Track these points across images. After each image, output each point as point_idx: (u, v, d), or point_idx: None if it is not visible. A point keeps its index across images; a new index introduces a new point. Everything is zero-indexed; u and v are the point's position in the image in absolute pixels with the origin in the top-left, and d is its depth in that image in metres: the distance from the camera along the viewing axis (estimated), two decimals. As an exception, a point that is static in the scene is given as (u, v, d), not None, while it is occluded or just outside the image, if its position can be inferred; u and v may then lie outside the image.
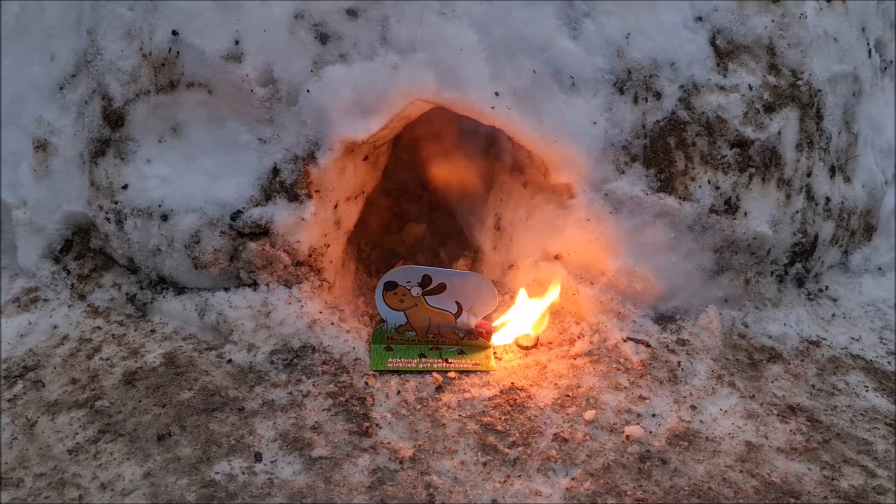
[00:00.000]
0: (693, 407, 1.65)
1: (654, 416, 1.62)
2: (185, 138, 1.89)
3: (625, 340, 1.81)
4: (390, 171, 2.45)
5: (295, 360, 1.72)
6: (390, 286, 1.76)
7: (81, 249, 2.03)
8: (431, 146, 2.27)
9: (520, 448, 1.53)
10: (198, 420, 1.56)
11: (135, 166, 1.90)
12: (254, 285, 1.87)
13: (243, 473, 1.44)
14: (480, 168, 2.22)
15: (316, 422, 1.56)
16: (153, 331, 1.86)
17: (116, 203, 1.90)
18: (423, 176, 2.48)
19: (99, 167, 1.93)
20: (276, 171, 1.84)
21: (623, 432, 1.57)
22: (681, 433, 1.58)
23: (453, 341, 1.82)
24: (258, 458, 1.47)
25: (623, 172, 1.84)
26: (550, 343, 1.86)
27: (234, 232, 1.84)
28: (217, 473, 1.44)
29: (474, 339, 1.81)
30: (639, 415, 1.62)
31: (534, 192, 1.99)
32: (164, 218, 1.87)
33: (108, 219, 1.91)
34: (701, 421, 1.62)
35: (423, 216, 2.53)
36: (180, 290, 1.92)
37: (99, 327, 1.86)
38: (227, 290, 1.87)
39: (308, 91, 1.80)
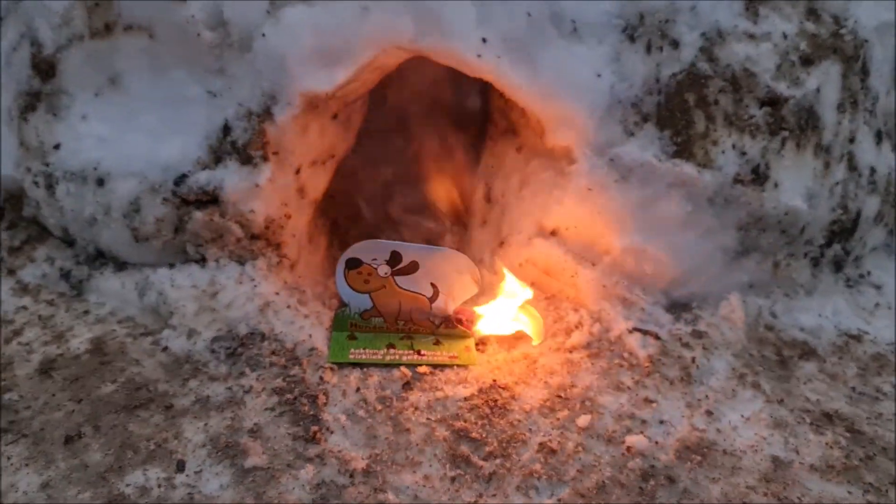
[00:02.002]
0: (709, 412, 1.38)
1: (661, 423, 1.36)
2: (124, 91, 1.64)
3: (630, 331, 1.55)
4: (375, 135, 2.19)
5: (239, 349, 1.47)
6: (353, 264, 1.50)
7: (13, 219, 1.79)
8: (413, 105, 2.00)
9: (497, 460, 1.27)
10: (116, 419, 1.31)
11: (68, 123, 1.66)
12: (202, 261, 1.62)
13: (159, 486, 1.19)
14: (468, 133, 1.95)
15: (255, 424, 1.31)
16: (86, 312, 1.62)
17: (47, 165, 1.66)
18: (412, 142, 2.21)
19: (29, 124, 1.69)
20: (226, 129, 1.58)
21: (623, 443, 1.31)
22: (693, 445, 1.31)
23: (428, 330, 1.56)
24: (180, 467, 1.22)
25: (632, 134, 1.56)
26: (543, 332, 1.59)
27: (178, 199, 1.59)
28: (128, 486, 1.19)
29: (452, 328, 1.55)
30: (643, 421, 1.36)
31: (529, 157, 1.72)
32: (100, 182, 1.62)
33: (36, 183, 1.67)
34: (718, 430, 1.35)
35: (412, 188, 2.25)
36: (121, 265, 1.68)
37: (25, 307, 1.62)
38: (171, 266, 1.63)
39: (264, 35, 1.54)
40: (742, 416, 1.38)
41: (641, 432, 1.33)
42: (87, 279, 1.68)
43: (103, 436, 1.28)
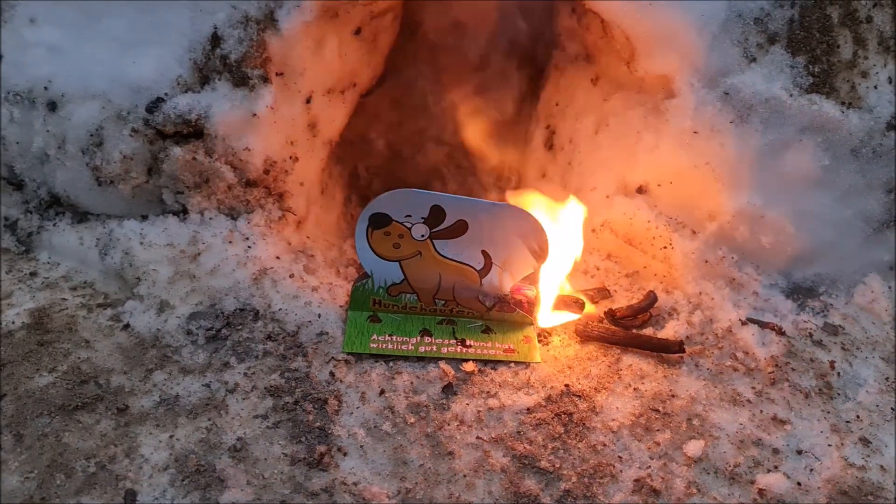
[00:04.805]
0: (864, 441, 1.01)
1: (799, 453, 0.99)
2: (84, -13, 1.26)
3: (743, 323, 1.18)
4: (404, 72, 1.81)
5: (224, 331, 1.10)
6: (379, 221, 1.12)
7: (-49, 154, 1.42)
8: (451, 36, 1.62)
9: (579, 503, 0.90)
10: (48, 425, 0.95)
11: (12, 28, 1.31)
12: (182, 213, 1.25)
13: (96, 531, 0.83)
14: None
15: (239, 439, 0.94)
16: (33, 274, 1.26)
17: (-15, 83, 1.29)
18: (451, 78, 1.82)
19: (-37, 30, 1.32)
20: (216, 39, 1.23)
21: (753, 483, 0.93)
22: (851, 489, 0.94)
23: (476, 313, 1.18)
24: (129, 499, 0.86)
25: (754, 60, 1.21)
26: (625, 319, 1.21)
27: (151, 130, 1.24)
28: (51, 528, 0.83)
29: (509, 311, 1.17)
30: (775, 450, 0.98)
31: (609, 91, 1.36)
32: (52, 106, 1.27)
33: (-29, 106, 1.31)
34: (882, 467, 0.98)
35: (448, 137, 1.87)
36: (81, 216, 1.33)
37: (-46, 266, 1.26)
38: (143, 218, 1.27)
39: (267, -89, 1.16)
40: (912, 447, 1.00)
41: (776, 467, 0.96)
42: (38, 232, 1.33)
43: (27, 449, 0.92)
